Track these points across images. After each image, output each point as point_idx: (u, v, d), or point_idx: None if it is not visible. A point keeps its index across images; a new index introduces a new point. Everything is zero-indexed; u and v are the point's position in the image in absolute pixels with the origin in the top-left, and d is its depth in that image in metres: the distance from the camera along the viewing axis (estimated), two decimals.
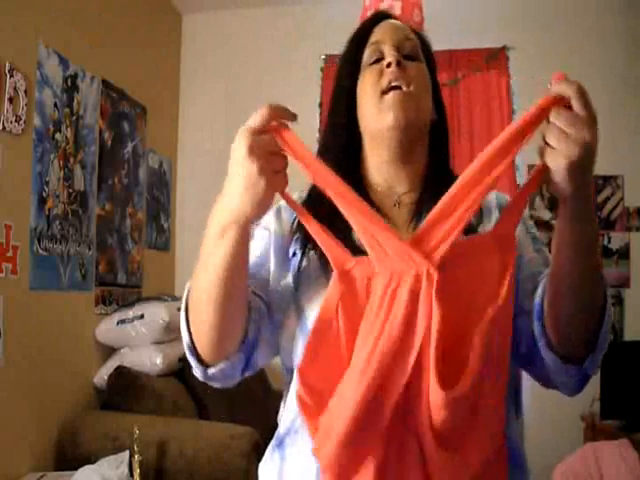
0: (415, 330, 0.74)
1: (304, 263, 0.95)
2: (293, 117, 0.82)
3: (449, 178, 1.02)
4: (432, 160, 1.04)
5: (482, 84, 3.69)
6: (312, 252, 0.95)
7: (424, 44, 1.06)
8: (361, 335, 0.77)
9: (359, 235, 0.81)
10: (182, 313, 0.93)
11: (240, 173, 0.79)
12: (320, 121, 3.68)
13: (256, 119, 0.80)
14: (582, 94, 0.79)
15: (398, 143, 0.99)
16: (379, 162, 1.02)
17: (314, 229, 0.84)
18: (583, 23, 3.65)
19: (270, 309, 0.96)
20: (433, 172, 1.03)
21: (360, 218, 0.79)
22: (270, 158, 0.79)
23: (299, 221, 0.97)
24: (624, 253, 3.64)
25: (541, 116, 0.75)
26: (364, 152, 1.04)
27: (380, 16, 1.06)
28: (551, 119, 0.75)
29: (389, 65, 0.97)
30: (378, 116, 0.97)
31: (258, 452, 2.53)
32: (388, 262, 0.78)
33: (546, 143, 0.75)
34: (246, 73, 3.92)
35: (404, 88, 0.96)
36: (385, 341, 0.74)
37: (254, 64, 3.91)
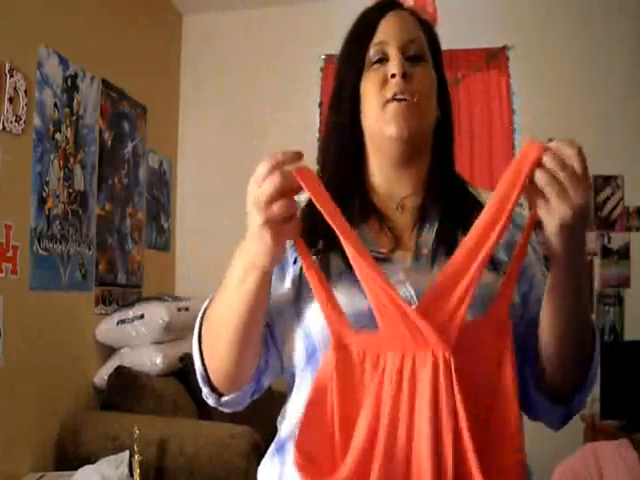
0: (441, 412, 0.75)
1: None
2: (298, 157, 0.79)
3: (452, 180, 1.02)
4: (435, 160, 1.02)
5: (482, 84, 3.69)
6: (313, 257, 0.93)
7: (431, 37, 1.02)
8: (368, 409, 0.77)
9: (369, 299, 0.80)
10: (195, 344, 0.94)
11: (250, 224, 0.79)
12: (320, 121, 3.68)
13: (260, 174, 0.78)
14: (583, 156, 0.79)
15: (400, 152, 0.97)
16: (380, 164, 1.01)
17: (316, 287, 0.83)
18: (583, 23, 3.65)
19: (272, 326, 0.96)
20: (436, 174, 1.01)
21: (371, 284, 0.79)
22: (278, 208, 0.76)
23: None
24: (624, 253, 3.64)
25: (532, 172, 0.75)
26: (366, 151, 1.02)
27: (386, 5, 1.01)
28: (552, 173, 0.74)
29: (393, 76, 0.94)
30: (380, 125, 0.95)
31: (258, 452, 2.53)
32: (398, 338, 0.78)
33: (538, 195, 0.76)
34: (246, 73, 3.92)
35: (408, 100, 0.94)
36: (419, 422, 0.75)
37: (254, 64, 3.91)
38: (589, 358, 0.88)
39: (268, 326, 0.95)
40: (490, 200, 0.77)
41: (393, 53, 0.96)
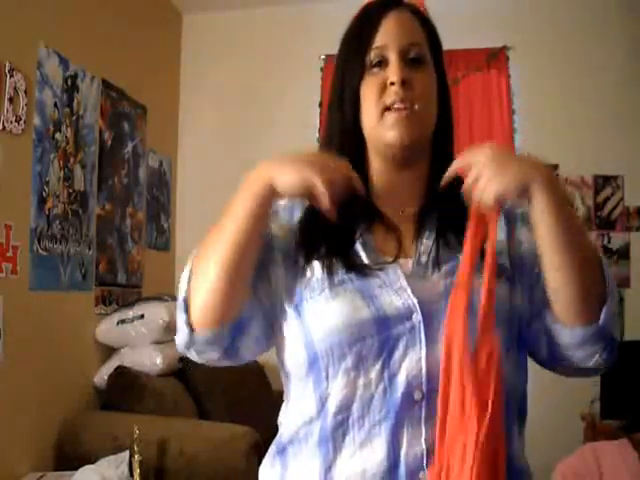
0: None
1: (308, 274, 0.93)
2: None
3: (451, 182, 1.01)
4: (435, 161, 1.01)
5: (482, 84, 3.69)
6: (315, 262, 0.93)
7: (432, 35, 1.02)
8: None
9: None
10: (186, 269, 0.92)
11: (304, 158, 0.87)
12: (320, 121, 3.68)
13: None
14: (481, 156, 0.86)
15: (399, 157, 0.97)
16: (381, 167, 1.00)
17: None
18: (583, 23, 3.65)
19: (269, 311, 0.95)
20: (436, 176, 0.99)
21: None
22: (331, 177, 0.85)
23: (302, 226, 0.97)
24: (624, 253, 3.64)
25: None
26: (368, 154, 1.01)
27: (386, 3, 1.00)
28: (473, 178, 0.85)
29: (393, 83, 0.93)
30: (380, 132, 0.95)
31: (258, 452, 2.53)
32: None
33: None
34: (246, 73, 3.92)
35: (408, 108, 0.93)
36: None
37: (254, 64, 3.91)
38: (600, 273, 0.88)
39: (255, 288, 0.94)
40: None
41: (393, 58, 0.95)
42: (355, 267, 0.91)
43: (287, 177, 0.86)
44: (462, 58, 3.63)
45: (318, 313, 0.90)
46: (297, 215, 0.99)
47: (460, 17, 3.48)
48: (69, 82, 2.88)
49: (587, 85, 3.60)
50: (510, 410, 0.89)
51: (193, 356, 0.95)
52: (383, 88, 0.94)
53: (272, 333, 0.96)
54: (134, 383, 2.87)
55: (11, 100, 2.46)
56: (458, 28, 3.48)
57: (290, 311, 0.94)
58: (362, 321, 0.86)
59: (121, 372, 2.89)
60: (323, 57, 3.76)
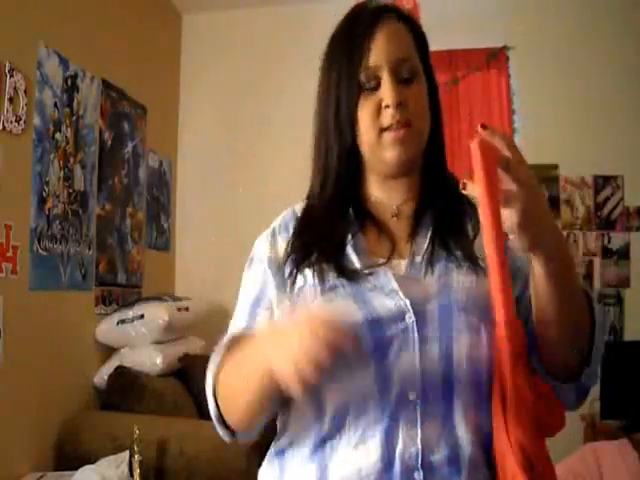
0: None
1: (300, 282, 0.94)
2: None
3: (444, 184, 1.02)
4: (428, 166, 1.03)
5: (482, 84, 3.69)
6: (307, 269, 0.94)
7: (420, 40, 1.01)
8: None
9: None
10: (208, 389, 0.93)
11: (289, 355, 0.74)
12: None
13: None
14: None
15: (397, 172, 0.99)
16: (377, 177, 1.02)
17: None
18: (583, 23, 3.65)
19: None
20: (429, 180, 1.02)
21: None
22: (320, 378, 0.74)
23: (294, 240, 0.98)
24: (624, 253, 3.64)
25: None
26: (363, 163, 1.01)
27: (374, 14, 0.98)
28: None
29: (388, 106, 0.93)
30: (378, 152, 0.96)
31: (258, 452, 2.53)
32: None
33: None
34: (246, 73, 3.92)
35: (404, 129, 0.94)
36: None
37: (254, 64, 3.91)
38: (590, 331, 0.88)
39: None
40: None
41: (386, 78, 0.94)
42: (345, 272, 0.91)
43: (284, 373, 0.76)
44: (462, 58, 3.63)
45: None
46: (291, 227, 1.02)
47: (460, 17, 3.48)
48: (69, 82, 2.88)
49: (587, 85, 3.60)
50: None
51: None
52: (378, 109, 0.94)
53: None
54: (134, 383, 2.87)
55: (11, 100, 2.46)
56: (458, 28, 3.48)
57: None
58: (356, 324, 0.86)
59: (121, 372, 2.89)
60: (323, 57, 3.75)
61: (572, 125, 3.57)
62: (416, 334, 0.87)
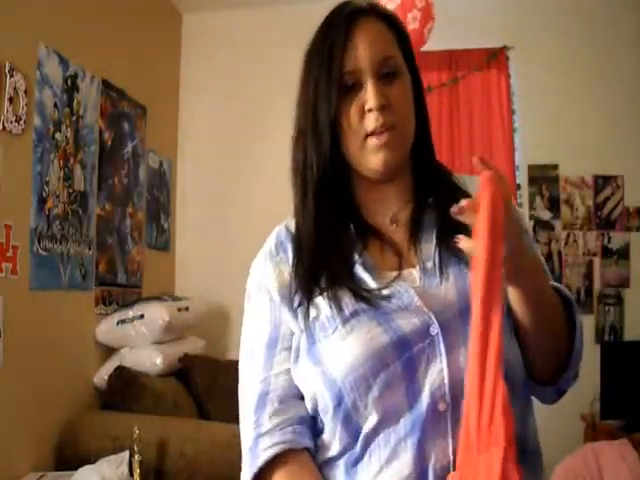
0: None
1: (313, 313, 0.92)
2: None
3: (437, 180, 1.00)
4: (417, 166, 1.00)
5: (482, 84, 3.69)
6: (319, 298, 0.92)
7: (401, 36, 0.98)
8: None
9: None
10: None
11: None
12: None
13: None
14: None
15: (384, 178, 0.96)
16: (366, 185, 0.99)
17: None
18: (583, 23, 3.65)
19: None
20: (421, 179, 1.00)
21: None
22: None
23: (297, 264, 0.95)
24: (624, 253, 3.64)
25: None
26: (350, 172, 0.98)
27: (350, 14, 0.95)
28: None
29: (371, 110, 0.91)
30: (363, 157, 0.93)
31: None
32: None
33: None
34: (246, 73, 3.92)
35: (389, 131, 0.91)
36: None
37: (254, 63, 3.91)
38: (569, 332, 0.90)
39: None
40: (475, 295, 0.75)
41: (368, 81, 0.92)
42: (364, 296, 0.89)
43: None
44: (462, 58, 3.63)
45: (336, 351, 0.88)
46: (289, 248, 0.98)
47: (460, 17, 3.47)
48: (69, 82, 2.88)
49: (587, 85, 3.60)
50: (518, 393, 0.89)
51: None
52: (362, 113, 0.92)
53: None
54: (134, 383, 2.87)
55: (11, 100, 2.46)
56: (458, 28, 3.48)
57: (303, 355, 0.92)
58: (382, 348, 0.85)
59: (121, 372, 2.89)
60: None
61: (572, 125, 3.57)
62: (442, 345, 0.86)
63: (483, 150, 3.61)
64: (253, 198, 3.79)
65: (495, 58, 3.68)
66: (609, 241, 3.65)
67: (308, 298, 0.92)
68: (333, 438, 0.90)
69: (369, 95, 0.91)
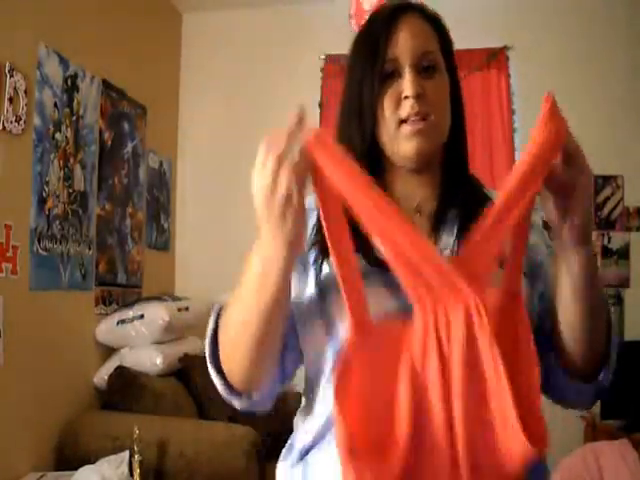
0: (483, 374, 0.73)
1: (326, 269, 0.93)
2: (301, 123, 0.77)
3: (466, 182, 1.02)
4: (449, 162, 1.02)
5: (482, 84, 3.69)
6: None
7: (444, 37, 1.02)
8: (404, 376, 0.75)
9: (392, 264, 0.77)
10: (208, 347, 0.93)
11: (263, 216, 0.78)
12: (320, 121, 3.68)
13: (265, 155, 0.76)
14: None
15: (415, 167, 0.99)
16: (397, 173, 1.01)
17: (337, 258, 0.80)
18: (583, 23, 3.65)
19: (293, 319, 0.96)
20: (450, 177, 1.02)
21: (401, 240, 0.75)
22: (295, 199, 0.76)
23: (317, 226, 0.95)
24: (624, 253, 3.64)
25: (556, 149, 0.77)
26: (385, 160, 1.01)
27: (397, 9, 1.00)
28: (574, 174, 0.80)
29: (407, 97, 0.94)
30: (396, 145, 0.96)
31: (258, 452, 2.54)
32: (429, 297, 0.76)
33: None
34: (246, 73, 3.92)
35: (423, 120, 0.94)
36: (458, 387, 0.72)
37: (254, 64, 3.91)
38: (607, 331, 0.91)
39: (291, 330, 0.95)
40: (518, 166, 0.76)
41: (406, 71, 0.95)
42: (377, 261, 0.89)
43: (279, 239, 0.79)
44: (462, 58, 3.60)
45: (342, 306, 0.88)
46: (313, 215, 0.97)
47: (460, 17, 3.47)
48: (69, 82, 2.88)
49: (587, 85, 3.60)
50: None
51: (260, 410, 0.97)
52: (398, 101, 0.95)
53: (304, 336, 0.97)
54: (134, 383, 2.87)
55: (11, 100, 2.46)
56: (458, 28, 3.48)
57: (314, 310, 0.94)
58: (389, 312, 0.86)
59: (121, 372, 2.89)
60: (323, 57, 3.76)
61: (572, 125, 3.55)
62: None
63: (483, 150, 3.61)
64: (253, 198, 3.79)
65: (495, 58, 3.68)
66: (609, 241, 3.65)
67: (324, 255, 0.93)
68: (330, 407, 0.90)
69: (406, 83, 0.94)
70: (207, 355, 0.93)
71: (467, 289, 0.74)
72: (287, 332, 0.94)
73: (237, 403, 0.94)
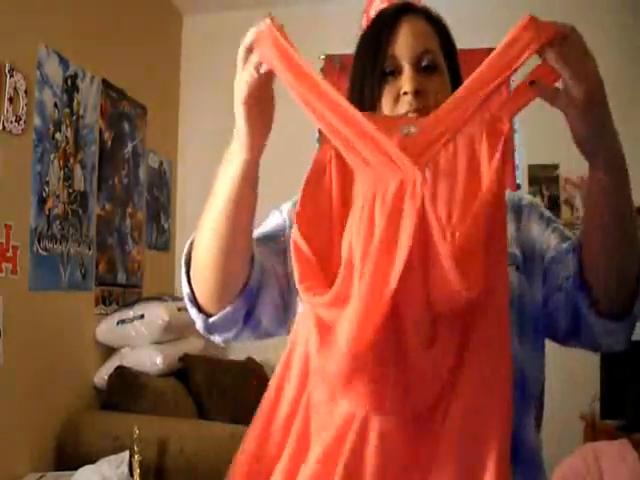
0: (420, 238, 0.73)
1: None
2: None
3: None
4: None
5: None
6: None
7: (446, 39, 1.04)
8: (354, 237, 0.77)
9: (338, 144, 0.81)
10: (183, 266, 0.95)
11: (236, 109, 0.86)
12: None
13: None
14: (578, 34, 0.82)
15: None
16: None
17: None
18: (583, 23, 3.63)
19: (282, 281, 0.98)
20: None
21: (335, 120, 0.81)
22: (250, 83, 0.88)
23: None
24: None
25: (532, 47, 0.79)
26: None
27: (399, 10, 1.02)
28: (564, 52, 0.80)
29: (406, 93, 0.95)
30: None
31: None
32: (370, 170, 0.79)
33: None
34: None
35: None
36: (399, 256, 0.72)
37: None
38: (637, 256, 0.87)
39: (273, 266, 0.97)
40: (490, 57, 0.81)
41: (406, 68, 0.96)
42: None
43: (243, 129, 0.90)
44: (462, 58, 3.62)
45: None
46: None
47: (460, 17, 3.47)
48: (69, 82, 2.88)
49: None
50: (523, 399, 0.89)
51: (218, 339, 0.99)
52: (397, 97, 0.96)
53: (288, 305, 0.99)
54: (134, 383, 2.87)
55: (11, 100, 2.46)
56: (458, 28, 3.48)
57: None
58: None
59: (121, 372, 2.89)
60: (323, 57, 3.76)
61: None
62: None
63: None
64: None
65: None
66: None
67: None
68: None
69: (404, 79, 0.96)
70: (182, 272, 0.96)
71: (405, 163, 0.76)
72: (266, 279, 0.95)
73: (198, 324, 0.97)
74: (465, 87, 0.79)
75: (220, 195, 0.89)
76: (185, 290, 0.95)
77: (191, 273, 0.94)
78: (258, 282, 0.94)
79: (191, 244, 0.96)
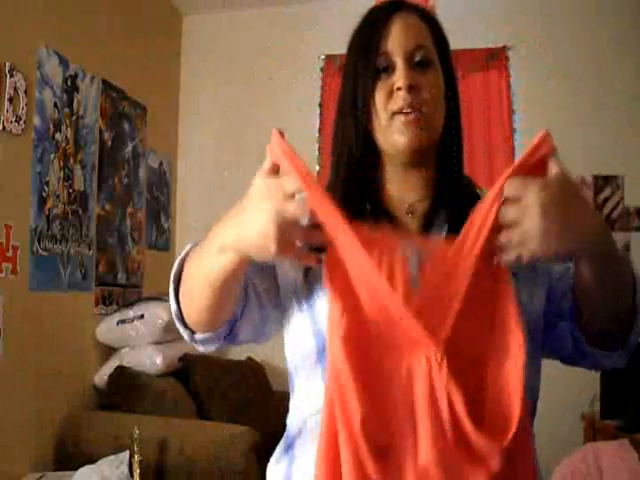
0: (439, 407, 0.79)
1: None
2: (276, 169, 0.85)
3: (459, 183, 1.02)
4: (442, 162, 1.02)
5: (482, 84, 3.69)
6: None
7: (439, 36, 1.02)
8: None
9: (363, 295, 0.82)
10: (171, 284, 0.95)
11: (252, 206, 0.80)
12: (320, 121, 3.68)
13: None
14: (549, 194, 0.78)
15: (408, 161, 0.99)
16: (393, 170, 1.01)
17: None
18: (583, 23, 3.65)
19: (263, 297, 0.98)
20: (443, 177, 1.01)
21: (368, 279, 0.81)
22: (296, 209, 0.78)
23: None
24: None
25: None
26: (380, 156, 1.01)
27: (391, 6, 1.01)
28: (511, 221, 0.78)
29: (399, 89, 0.95)
30: (388, 137, 0.96)
31: (258, 452, 2.53)
32: (395, 338, 0.81)
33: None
34: (246, 73, 3.92)
35: (415, 113, 0.94)
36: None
37: (254, 64, 3.91)
38: (632, 299, 0.90)
39: (254, 283, 0.97)
40: (486, 197, 0.80)
41: (399, 63, 0.96)
42: None
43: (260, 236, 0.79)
44: (462, 58, 3.62)
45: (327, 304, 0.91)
46: None
47: (460, 17, 3.47)
48: (69, 82, 2.88)
49: (587, 85, 3.60)
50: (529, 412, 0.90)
51: (201, 349, 1.00)
52: (390, 93, 0.96)
53: (265, 319, 0.99)
54: (134, 383, 2.87)
55: (11, 100, 2.46)
56: (458, 28, 3.47)
57: (299, 304, 0.96)
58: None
59: (121, 372, 2.89)
60: (323, 57, 3.76)
61: (572, 125, 3.57)
62: None
63: (483, 150, 3.61)
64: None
65: (495, 58, 3.68)
66: None
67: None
68: (310, 395, 0.94)
69: (398, 75, 0.95)
70: (170, 290, 0.96)
71: (425, 340, 0.79)
72: (248, 302, 0.96)
73: (184, 334, 0.97)
74: (466, 233, 0.82)
75: (205, 276, 0.87)
76: (172, 307, 0.96)
77: (179, 295, 0.95)
78: (242, 306, 0.95)
79: (181, 265, 0.95)
